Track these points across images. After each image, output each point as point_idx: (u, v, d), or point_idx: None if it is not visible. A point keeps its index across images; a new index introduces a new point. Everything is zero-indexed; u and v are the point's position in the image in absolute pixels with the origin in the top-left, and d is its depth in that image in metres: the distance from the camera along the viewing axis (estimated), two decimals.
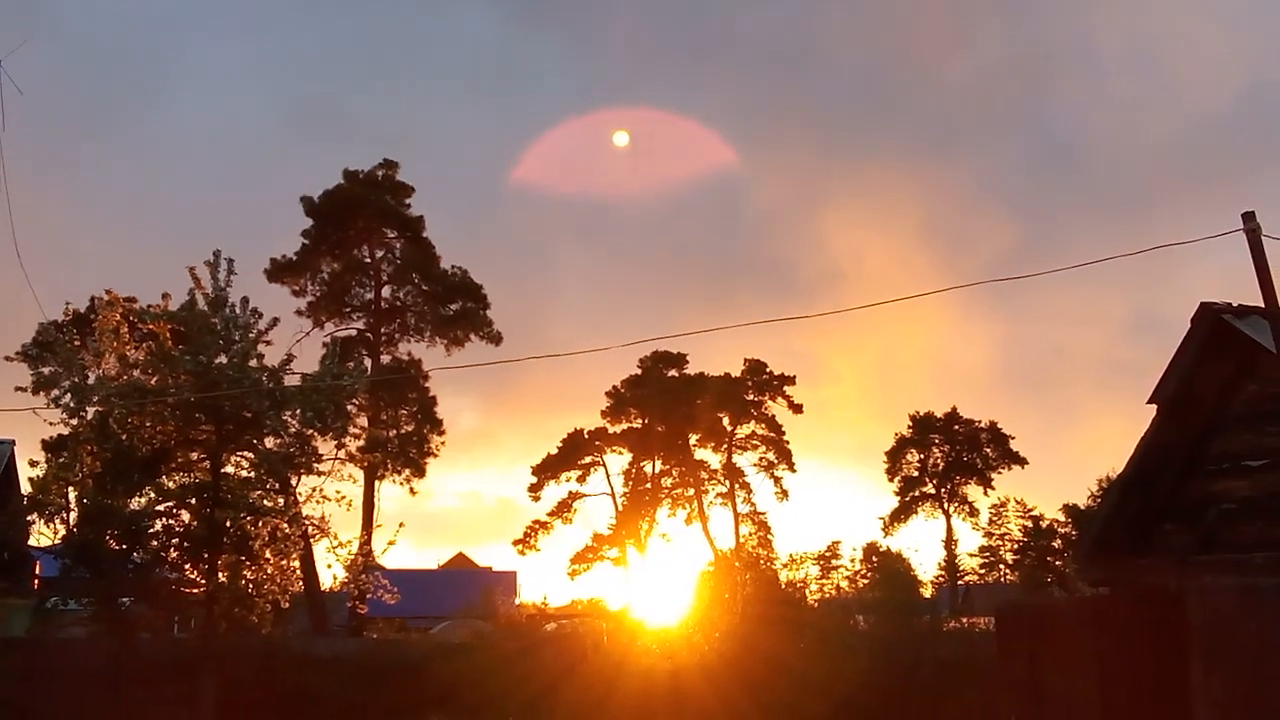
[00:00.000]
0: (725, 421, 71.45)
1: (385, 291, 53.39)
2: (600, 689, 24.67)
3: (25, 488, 34.27)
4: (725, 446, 71.67)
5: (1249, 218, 10.46)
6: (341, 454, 29.53)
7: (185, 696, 25.12)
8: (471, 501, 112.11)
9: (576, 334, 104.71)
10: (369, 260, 53.39)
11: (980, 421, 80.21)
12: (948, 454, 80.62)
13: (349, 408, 29.98)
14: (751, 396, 71.70)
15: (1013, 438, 79.40)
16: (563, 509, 71.00)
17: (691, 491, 71.39)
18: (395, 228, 53.40)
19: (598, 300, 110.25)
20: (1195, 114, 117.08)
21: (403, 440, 50.26)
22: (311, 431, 27.37)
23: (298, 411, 26.92)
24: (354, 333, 51.93)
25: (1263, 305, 10.35)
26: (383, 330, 52.77)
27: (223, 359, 26.36)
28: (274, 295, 50.86)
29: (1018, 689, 12.03)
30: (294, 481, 27.82)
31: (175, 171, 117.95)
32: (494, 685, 26.03)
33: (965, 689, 22.52)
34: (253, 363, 26.87)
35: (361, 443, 31.68)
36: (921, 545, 79.55)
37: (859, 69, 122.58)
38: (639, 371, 71.14)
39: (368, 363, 49.08)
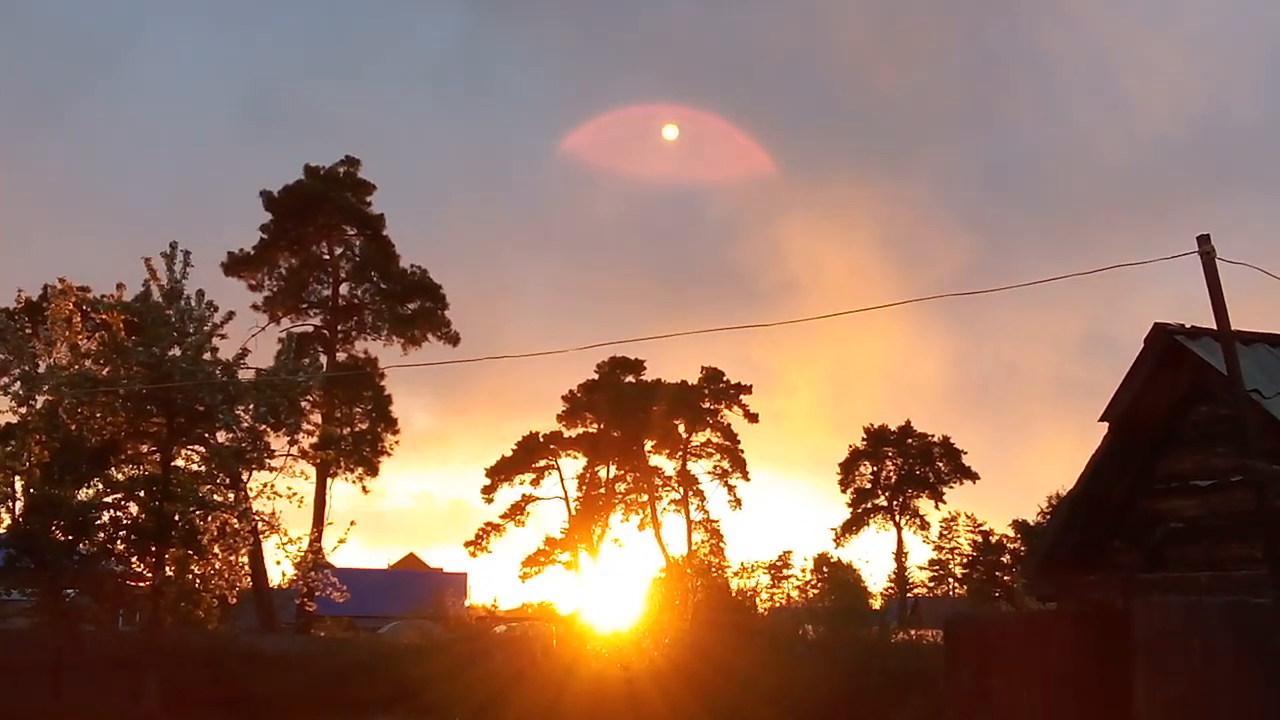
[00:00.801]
0: (681, 428, 71.62)
1: (343, 289, 53.17)
2: (550, 693, 24.66)
3: None
4: (680, 453, 71.84)
5: (1203, 241, 10.62)
6: (294, 450, 29.40)
7: (129, 691, 24.91)
8: (424, 502, 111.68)
9: (534, 337, 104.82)
10: (328, 257, 53.15)
11: (933, 435, 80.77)
12: (900, 467, 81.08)
13: (303, 404, 29.87)
14: (707, 404, 71.91)
15: (965, 452, 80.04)
16: (516, 511, 70.89)
17: (645, 497, 71.49)
18: (355, 225, 53.18)
19: (555, 304, 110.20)
20: (1152, 137, 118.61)
21: (356, 438, 50.04)
22: (264, 427, 27.24)
23: (251, 406, 26.78)
24: (310, 329, 51.69)
25: (1215, 328, 10.50)
26: (339, 327, 52.53)
27: (176, 351, 26.19)
28: (230, 289, 50.66)
29: (964, 700, 12.13)
30: (245, 477, 27.66)
31: (133, 160, 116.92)
32: (443, 688, 25.97)
33: (912, 698, 22.67)
34: (207, 356, 26.71)
35: (314, 439, 31.53)
36: (872, 557, 79.40)
37: (816, 81, 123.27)
38: (596, 376, 71.24)
39: (323, 359, 48.78)
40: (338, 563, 33.07)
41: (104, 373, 25.93)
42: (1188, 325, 11.55)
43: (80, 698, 23.76)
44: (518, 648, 31.45)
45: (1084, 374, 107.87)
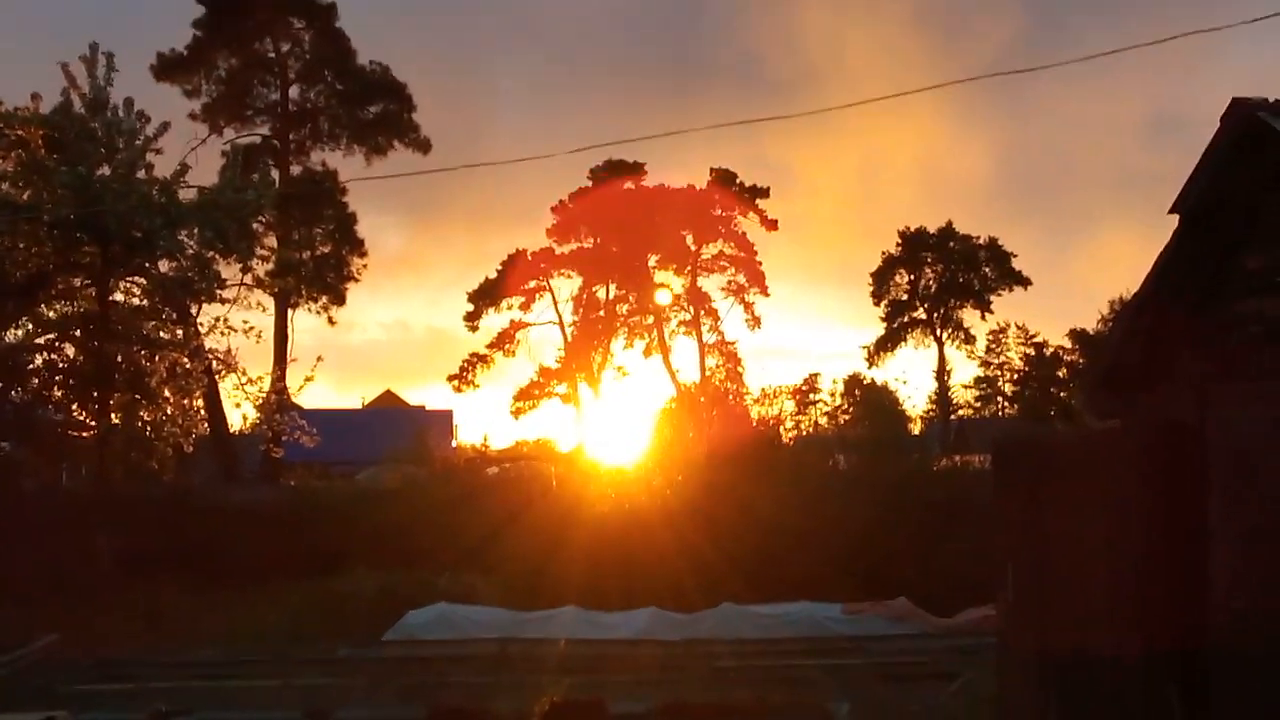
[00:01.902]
0: (689, 240, 71.38)
1: (293, 91, 52.42)
2: (549, 537, 25.02)
3: None
4: (689, 269, 71.73)
5: None
6: (248, 279, 29.44)
7: (79, 553, 25.29)
8: (399, 333, 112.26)
9: (518, 141, 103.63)
10: (273, 55, 52.24)
11: (978, 237, 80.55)
12: (941, 274, 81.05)
13: (255, 226, 29.74)
14: (719, 211, 71.50)
15: (1014, 255, 79.87)
16: (504, 340, 71.20)
17: (650, 320, 71.69)
18: (303, 16, 52.15)
19: (542, 102, 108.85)
20: None
21: (318, 263, 50.00)
22: (212, 253, 27.18)
23: (195, 230, 26.65)
24: (258, 139, 51.15)
25: None
26: (292, 136, 51.97)
27: (105, 170, 25.96)
28: (163, 96, 49.91)
29: (1016, 532, 12.25)
30: (194, 310, 27.73)
31: None
32: (429, 534, 26.38)
33: (957, 533, 23.04)
34: (141, 174, 26.51)
35: (270, 266, 31.57)
36: (910, 377, 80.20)
37: None
38: (590, 184, 70.64)
39: (275, 174, 48.26)
40: (305, 403, 33.38)
41: (24, 197, 25.71)
42: (1271, 100, 11.28)
43: (22, 563, 24.06)
44: (512, 489, 31.83)
45: (1150, 161, 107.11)
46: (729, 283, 71.92)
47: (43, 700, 15.56)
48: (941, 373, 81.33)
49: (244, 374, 28.22)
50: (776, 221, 71.78)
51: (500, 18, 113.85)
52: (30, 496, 27.18)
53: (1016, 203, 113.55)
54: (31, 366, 26.71)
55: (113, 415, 26.82)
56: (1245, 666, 9.93)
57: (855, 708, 15.27)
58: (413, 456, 50.66)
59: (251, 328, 27.78)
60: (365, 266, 51.72)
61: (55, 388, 26.96)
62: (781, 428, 38.92)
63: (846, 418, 67.80)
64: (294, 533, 27.06)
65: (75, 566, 25.00)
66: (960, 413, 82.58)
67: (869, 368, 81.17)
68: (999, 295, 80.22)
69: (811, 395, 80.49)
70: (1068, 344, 78.29)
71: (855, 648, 19.72)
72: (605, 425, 66.83)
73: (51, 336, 26.95)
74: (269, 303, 33.80)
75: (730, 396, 64.01)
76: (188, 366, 27.03)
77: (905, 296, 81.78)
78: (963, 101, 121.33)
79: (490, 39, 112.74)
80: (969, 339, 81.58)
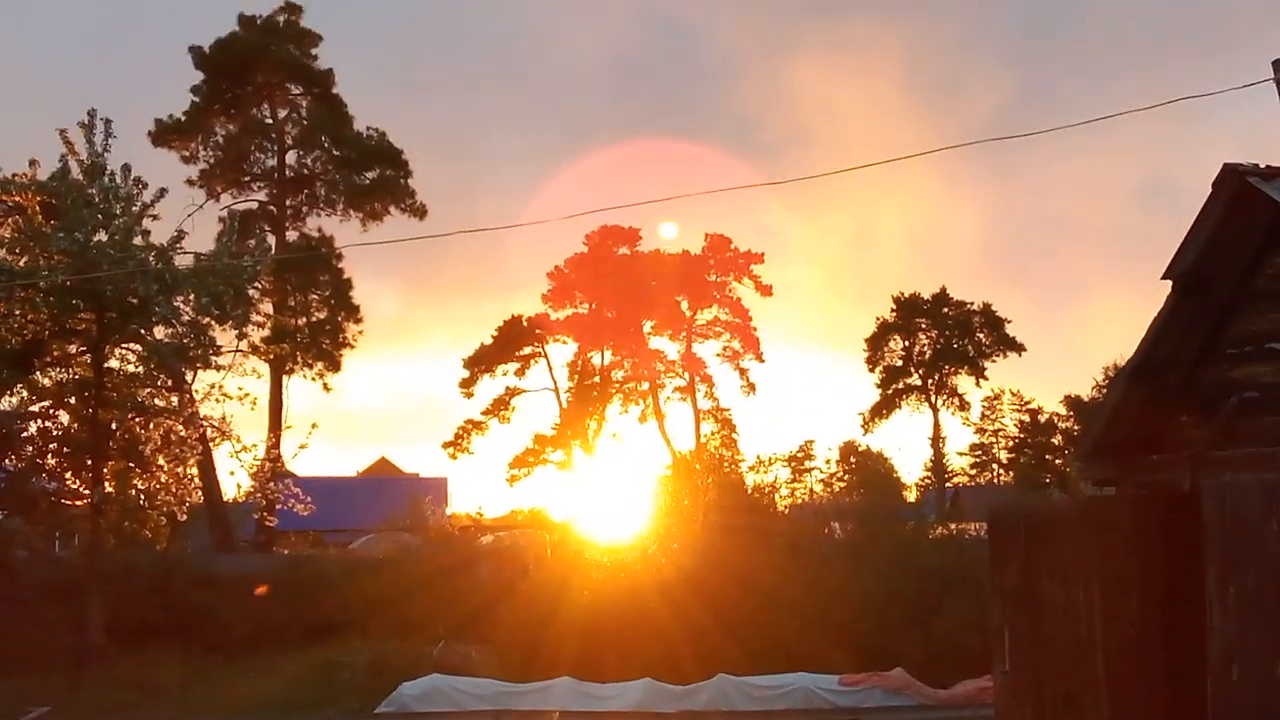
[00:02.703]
0: (684, 305, 71.53)
1: (290, 157, 52.61)
2: (544, 609, 24.95)
3: None
4: (684, 334, 71.83)
5: (1279, 67, 10.40)
6: (243, 345, 29.42)
7: (70, 623, 25.18)
8: (394, 399, 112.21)
9: (511, 207, 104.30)
10: (270, 121, 52.52)
11: (972, 303, 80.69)
12: (935, 340, 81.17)
13: (250, 292, 29.74)
14: (714, 276, 71.69)
15: (1008, 321, 79.97)
16: (499, 407, 71.09)
17: (646, 386, 71.66)
18: (300, 82, 52.49)
19: (535, 169, 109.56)
20: None
21: (314, 329, 49.98)
22: (208, 319, 27.16)
23: (191, 296, 26.67)
24: (255, 205, 51.27)
25: None
26: (288, 202, 52.12)
27: (102, 236, 25.98)
28: (161, 162, 50.03)
29: (1012, 602, 12.23)
30: (189, 377, 27.71)
31: (43, 16, 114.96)
32: (423, 605, 26.30)
33: (954, 603, 23.00)
34: (138, 240, 26.53)
35: (266, 332, 31.52)
36: (905, 444, 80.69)
37: None
38: (585, 249, 70.90)
39: (271, 240, 48.52)
40: (299, 471, 33.32)
41: (21, 263, 25.75)
42: (1262, 165, 11.39)
43: (15, 633, 23.99)
44: (507, 559, 31.78)
45: (1143, 226, 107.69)
46: (724, 348, 72.01)
47: None
48: (936, 439, 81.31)
49: (238, 441, 28.15)
50: (771, 287, 71.92)
51: (496, 84, 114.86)
52: (23, 566, 27.06)
53: (1010, 267, 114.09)
54: (26, 435, 26.64)
55: (107, 483, 26.74)
56: None
57: None
58: (407, 525, 50.56)
59: (246, 394, 27.71)
60: (361, 333, 51.71)
61: (49, 456, 26.88)
62: (777, 495, 38.79)
63: (842, 485, 67.88)
64: (287, 602, 26.99)
65: (68, 637, 24.89)
66: (955, 480, 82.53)
67: (864, 434, 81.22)
68: (993, 361, 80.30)
69: (806, 462, 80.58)
70: (1062, 410, 78.25)
71: None
72: (600, 493, 66.61)
73: (46, 404, 26.90)
74: (264, 369, 33.74)
75: (726, 464, 63.96)
76: (182, 434, 26.97)
77: (900, 362, 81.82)
78: (956, 166, 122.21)
79: (485, 103, 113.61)
80: (964, 405, 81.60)
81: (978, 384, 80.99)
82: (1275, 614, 9.77)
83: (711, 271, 71.54)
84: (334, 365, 50.42)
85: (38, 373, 26.82)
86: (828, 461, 79.31)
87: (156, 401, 27.26)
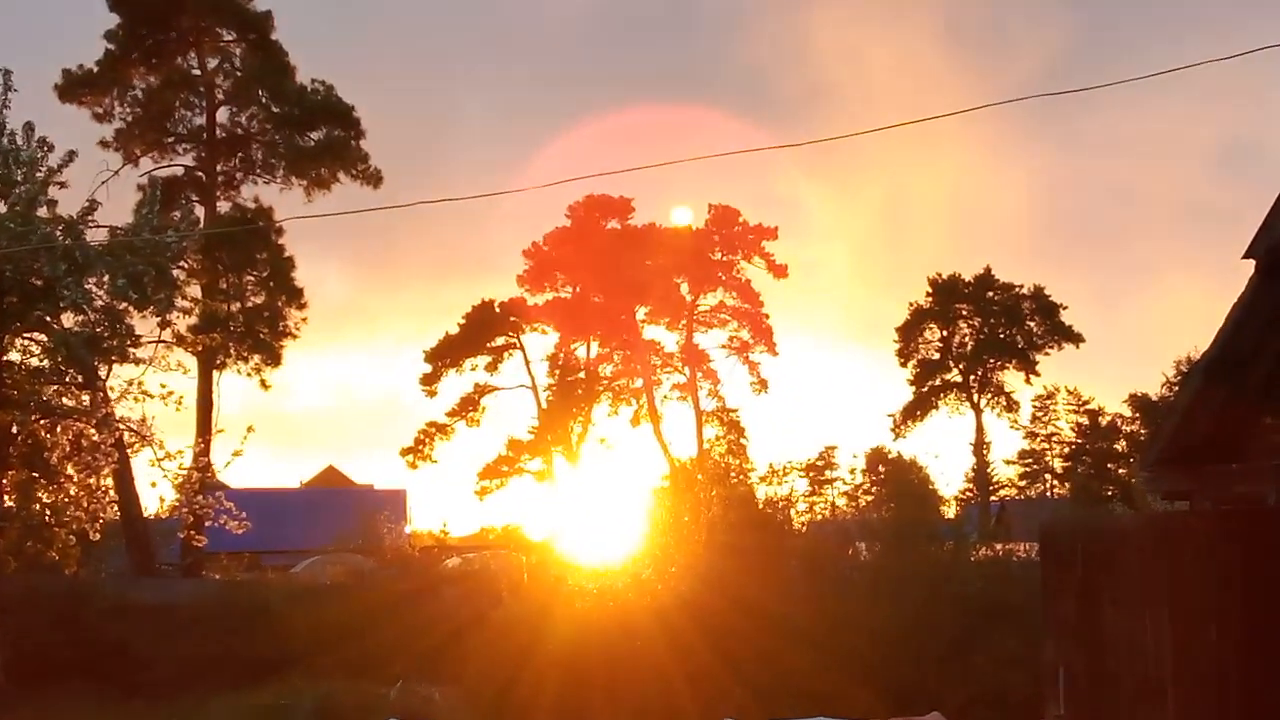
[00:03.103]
0: (684, 289, 71.59)
1: (222, 115, 52.52)
2: (520, 643, 24.89)
3: None
4: (684, 322, 71.93)
5: None
6: (166, 335, 29.40)
7: None
8: (344, 399, 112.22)
9: (484, 174, 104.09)
10: (198, 72, 52.39)
11: (1021, 286, 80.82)
12: (978, 329, 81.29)
13: (175, 272, 29.70)
14: (719, 255, 71.80)
15: (1063, 307, 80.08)
16: (467, 407, 71.20)
17: (639, 383, 71.74)
18: (233, 28, 52.35)
19: (509, 130, 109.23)
20: None
21: (249, 316, 49.89)
22: (125, 305, 27.11)
23: (105, 278, 26.60)
24: (180, 171, 51.24)
25: None
26: (219, 168, 52.04)
27: (1, 207, 25.94)
28: (69, 120, 49.92)
29: (1068, 636, 12.24)
30: (103, 372, 27.62)
31: None
32: (379, 638, 26.28)
33: (998, 634, 22.97)
34: (42, 212, 26.46)
35: (193, 320, 31.52)
36: (943, 450, 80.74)
37: None
38: (568, 223, 70.93)
39: (199, 212, 48.47)
40: (233, 482, 33.33)
41: None
42: None
43: None
44: (476, 584, 31.77)
45: (1221, 196, 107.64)
46: (731, 339, 72.17)
47: None
48: (979, 446, 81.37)
49: (161, 448, 28.09)
50: (786, 267, 72.05)
51: (465, 32, 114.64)
52: None
53: (1065, 245, 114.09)
54: None
55: (6, 497, 26.71)
56: None
57: None
58: (359, 545, 50.56)
59: (170, 393, 27.65)
60: (305, 320, 51.57)
61: None
62: (793, 511, 38.66)
63: (869, 499, 67.69)
64: (219, 636, 26.93)
65: None
66: (1001, 493, 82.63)
67: (894, 439, 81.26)
68: (1046, 354, 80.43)
69: (828, 472, 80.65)
70: (1126, 411, 78.57)
71: None
72: (586, 508, 66.57)
73: None
74: (191, 363, 33.65)
75: (733, 474, 63.85)
76: (95, 439, 26.91)
77: (937, 356, 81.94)
78: (1002, 126, 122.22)
79: (453, 56, 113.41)
80: (1011, 406, 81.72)
81: (1028, 381, 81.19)
82: None
83: (716, 249, 71.61)
84: (273, 358, 50.32)
85: None
86: (852, 471, 79.29)
87: (65, 401, 27.21)
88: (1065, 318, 79.86)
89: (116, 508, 33.96)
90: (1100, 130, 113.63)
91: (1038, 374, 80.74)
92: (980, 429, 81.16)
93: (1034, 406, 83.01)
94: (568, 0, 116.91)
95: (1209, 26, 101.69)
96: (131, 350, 27.39)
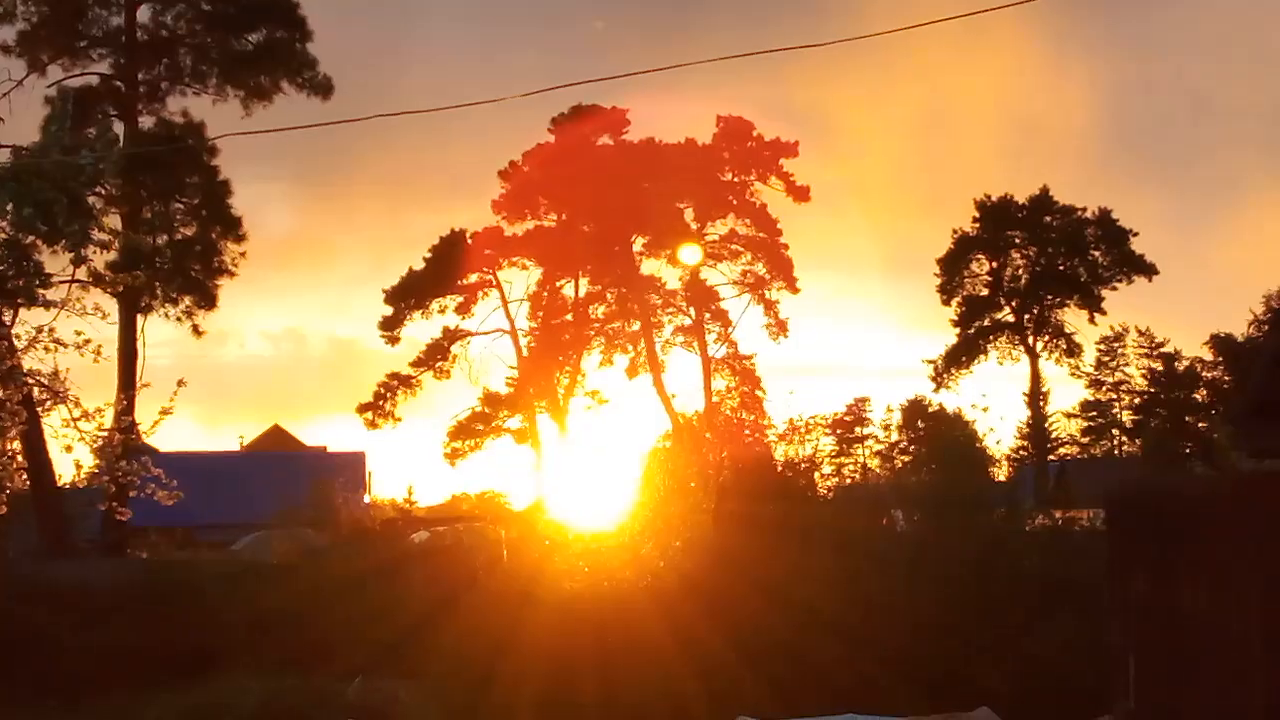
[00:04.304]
0: (689, 215, 71.46)
1: (143, 14, 52.31)
2: (498, 628, 24.93)
3: None
4: (689, 255, 71.81)
5: None
6: (81, 273, 29.34)
7: None
8: (292, 347, 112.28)
9: (452, 81, 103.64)
10: None
11: (1084, 210, 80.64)
12: (1034, 260, 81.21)
13: (91, 200, 29.64)
14: (730, 175, 71.63)
15: (1134, 234, 79.97)
16: (435, 356, 71.23)
17: (637, 326, 71.72)
18: None
19: (484, 27, 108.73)
20: None
21: (178, 251, 49.88)
22: (32, 238, 27.08)
23: (9, 207, 26.56)
24: (95, 81, 51.03)
25: None
26: (141, 76, 51.86)
27: None
28: None
29: (1140, 617, 12.24)
30: (7, 318, 27.60)
31: None
32: (333, 626, 26.34)
33: (1057, 616, 23.03)
34: None
35: (113, 256, 31.38)
36: (993, 402, 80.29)
37: None
38: (551, 139, 70.73)
39: (119, 128, 48.31)
40: (162, 445, 33.25)
41: None
42: None
43: None
44: (448, 562, 31.82)
45: None
46: (744, 274, 72.08)
47: None
48: (1035, 396, 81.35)
49: (77, 405, 28.00)
50: (808, 189, 71.90)
51: None
52: None
53: (1136, 161, 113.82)
54: None
55: None
56: None
57: None
58: (310, 517, 50.65)
59: (87, 341, 27.50)
60: (243, 255, 51.56)
61: None
62: (817, 475, 38.79)
63: (906, 459, 67.87)
64: (148, 624, 26.99)
65: None
66: (1061, 451, 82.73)
67: (935, 390, 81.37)
68: (1113, 289, 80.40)
69: (858, 429, 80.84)
70: (1207, 355, 78.59)
71: None
72: (575, 473, 66.79)
73: None
74: (111, 307, 33.55)
75: (747, 431, 64.01)
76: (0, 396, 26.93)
77: (985, 292, 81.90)
78: (1062, 23, 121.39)
79: None
80: (1073, 349, 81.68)
81: (1092, 320, 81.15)
82: None
83: (727, 168, 71.43)
84: (207, 300, 50.34)
85: None
86: (886, 428, 79.55)
87: None
88: (1135, 246, 79.84)
89: (25, 476, 33.98)
90: (1177, 26, 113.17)
91: (1103, 312, 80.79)
92: (1036, 377, 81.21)
93: (1099, 350, 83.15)
94: None
95: None
96: (41, 292, 27.36)
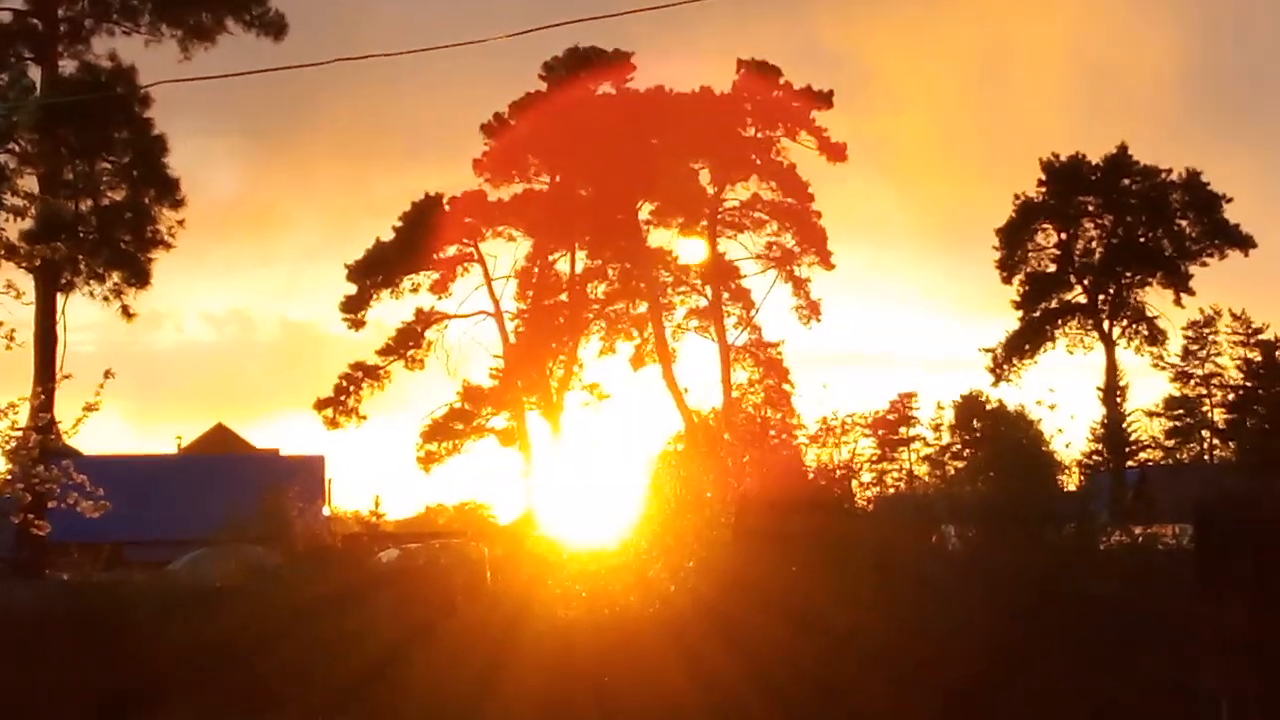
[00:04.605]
0: (705, 177, 71.51)
1: None
2: (480, 662, 25.02)
3: None
4: (705, 224, 71.87)
5: None
6: None
7: None
8: (238, 331, 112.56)
9: (426, 19, 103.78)
10: None
11: (1169, 172, 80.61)
12: (1110, 232, 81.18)
13: (2, 159, 29.73)
14: (753, 131, 71.68)
15: (1227, 200, 79.91)
16: (406, 343, 71.39)
17: (643, 308, 71.81)
18: None
19: None
20: None
21: (105, 218, 49.94)
22: None
23: None
24: (8, 18, 51.12)
25: None
26: (62, 13, 51.91)
27: None
28: None
29: (1234, 648, 12.32)
30: None
31: None
32: (286, 660, 26.37)
33: (1137, 650, 23.07)
34: None
35: (28, 223, 31.47)
36: (1062, 398, 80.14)
37: None
38: (544, 87, 70.75)
39: (36, 74, 48.38)
40: (85, 447, 33.32)
41: None
42: None
43: None
44: (421, 585, 31.87)
45: None
46: (769, 247, 72.24)
47: None
48: (1111, 392, 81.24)
49: None
50: (844, 147, 72.02)
51: None
52: None
53: (1228, 117, 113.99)
54: None
55: None
56: None
57: None
58: (260, 532, 50.76)
59: (0, 324, 27.78)
60: (181, 224, 51.66)
61: None
62: (856, 483, 38.89)
63: (959, 466, 67.82)
64: (67, 657, 27.04)
65: None
66: (1142, 455, 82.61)
67: (994, 384, 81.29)
68: (1203, 264, 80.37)
69: (903, 429, 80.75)
70: None
71: None
72: (571, 480, 66.88)
73: None
74: (27, 284, 33.78)
75: (772, 432, 64.14)
76: None
77: (1053, 268, 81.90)
78: None
79: None
80: (1155, 336, 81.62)
81: (1178, 301, 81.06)
82: None
83: (749, 122, 71.46)
84: (139, 276, 50.41)
85: None
86: (936, 428, 79.29)
87: None
88: (1229, 214, 79.73)
89: None
90: None
91: (1192, 292, 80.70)
92: (1112, 368, 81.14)
93: (1187, 338, 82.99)
94: None
95: None
96: None
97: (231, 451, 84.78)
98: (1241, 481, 55.17)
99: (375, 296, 71.04)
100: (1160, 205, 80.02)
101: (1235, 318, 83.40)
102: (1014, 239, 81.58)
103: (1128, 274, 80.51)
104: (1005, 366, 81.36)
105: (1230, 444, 79.31)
